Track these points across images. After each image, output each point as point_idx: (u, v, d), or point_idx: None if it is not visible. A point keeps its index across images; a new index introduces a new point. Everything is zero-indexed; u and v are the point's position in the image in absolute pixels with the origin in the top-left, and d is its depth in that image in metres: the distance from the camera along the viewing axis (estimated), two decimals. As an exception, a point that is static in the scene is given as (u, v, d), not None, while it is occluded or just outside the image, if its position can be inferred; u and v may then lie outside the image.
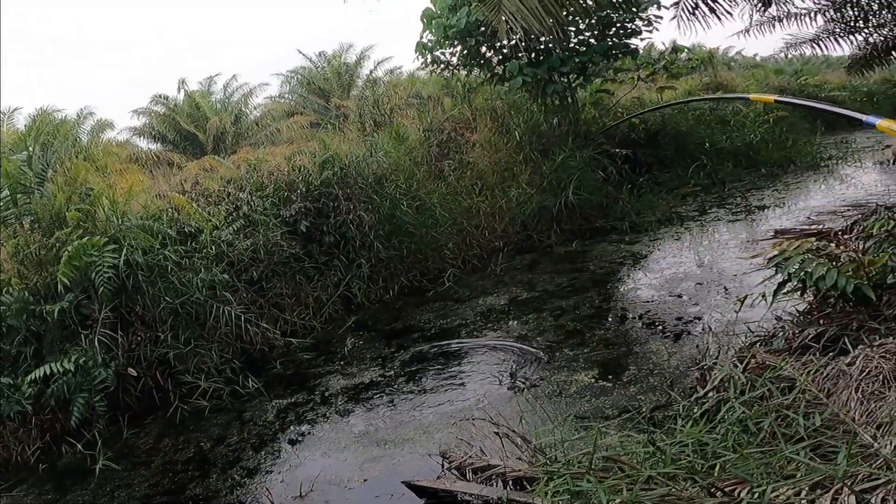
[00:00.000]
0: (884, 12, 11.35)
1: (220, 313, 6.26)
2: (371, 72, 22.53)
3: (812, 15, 11.04)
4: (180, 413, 5.59)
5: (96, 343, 5.71)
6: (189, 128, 18.36)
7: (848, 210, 8.46)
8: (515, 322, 6.47)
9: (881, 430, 3.27)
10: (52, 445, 5.34)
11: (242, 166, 9.09)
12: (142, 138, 19.33)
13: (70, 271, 5.89)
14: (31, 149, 11.80)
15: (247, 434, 5.13)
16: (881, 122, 0.87)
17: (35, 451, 5.28)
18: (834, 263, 4.68)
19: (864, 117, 0.95)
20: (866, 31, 11.47)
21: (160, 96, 19.46)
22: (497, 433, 4.13)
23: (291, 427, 5.16)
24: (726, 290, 6.28)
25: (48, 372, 5.39)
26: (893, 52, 11.85)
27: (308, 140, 13.38)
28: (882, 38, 11.23)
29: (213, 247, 6.86)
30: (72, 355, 5.56)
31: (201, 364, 5.98)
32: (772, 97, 3.48)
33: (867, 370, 3.75)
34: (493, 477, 3.80)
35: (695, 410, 3.87)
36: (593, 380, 4.87)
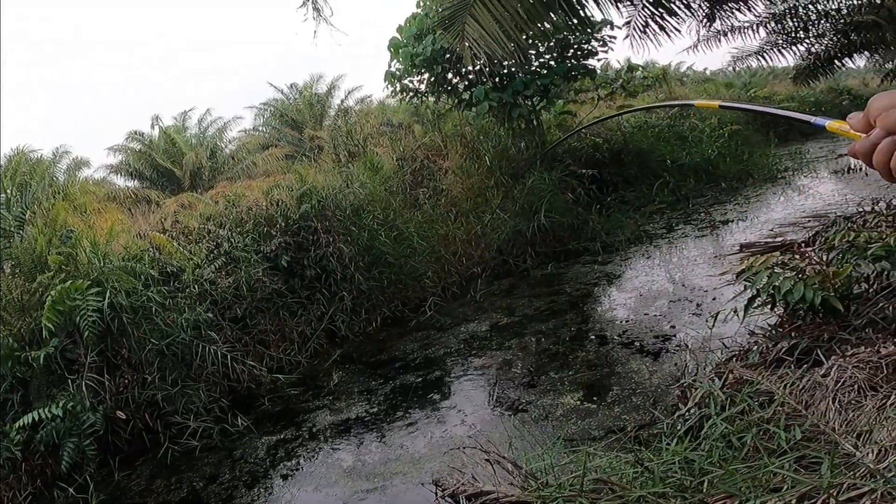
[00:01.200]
0: (822, 22, 11.65)
1: (206, 353, 6.14)
2: (342, 101, 22.55)
3: (755, 28, 11.30)
4: (171, 454, 5.46)
5: (84, 387, 5.58)
6: (165, 164, 18.14)
7: (808, 221, 8.62)
8: (498, 349, 6.44)
9: (862, 439, 3.30)
10: (44, 490, 5.20)
11: (221, 202, 8.99)
12: (119, 175, 19.04)
13: (54, 316, 5.75)
14: (8, 191, 11.59)
15: (238, 472, 5.02)
16: (830, 123, 0.86)
17: (26, 496, 5.13)
18: (800, 276, 4.76)
19: (812, 119, 0.95)
20: (807, 41, 11.75)
21: (135, 133, 19.22)
22: (488, 460, 4.09)
23: (282, 463, 5.07)
24: (699, 306, 6.34)
25: (36, 418, 5.25)
26: (836, 61, 12.14)
27: (284, 172, 13.33)
28: (823, 48, 11.51)
29: (196, 286, 6.75)
30: (59, 400, 5.44)
31: (190, 404, 5.86)
32: (716, 103, 3.64)
33: (842, 380, 3.80)
34: (488, 503, 3.76)
35: (678, 427, 3.89)
36: (578, 402, 4.86)
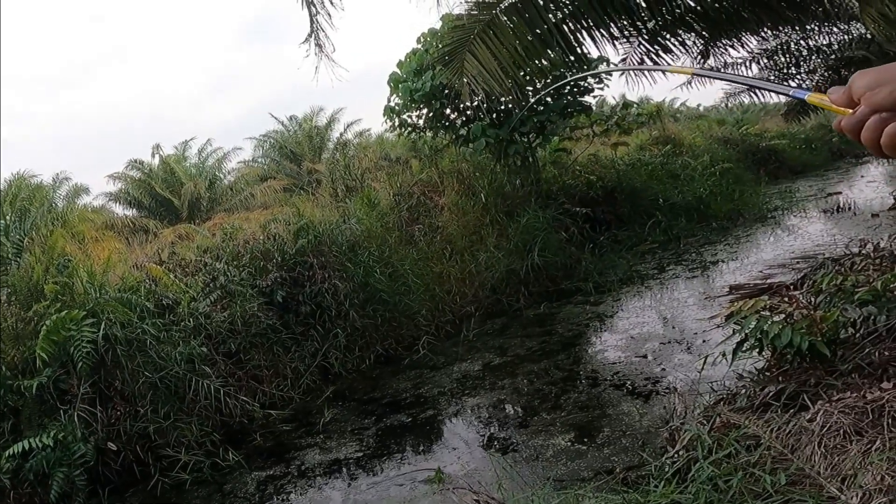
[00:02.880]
0: (813, 58, 11.88)
1: (200, 387, 6.14)
2: (341, 134, 22.78)
3: (747, 63, 11.51)
4: (161, 486, 5.45)
5: (75, 418, 5.58)
6: (164, 193, 18.23)
7: (797, 262, 8.71)
8: (491, 389, 6.45)
9: (846, 483, 3.35)
10: (32, 520, 5.15)
11: (218, 234, 9.05)
12: (118, 203, 19.12)
13: (49, 346, 5.77)
14: (7, 217, 11.62)
15: (228, 507, 5.01)
16: (811, 96, 0.86)
17: (14, 526, 5.08)
18: (788, 321, 4.82)
19: (791, 91, 0.96)
20: (798, 77, 11.96)
21: (135, 161, 19.34)
22: (477, 500, 4.11)
23: (272, 499, 5.06)
24: (689, 348, 6.39)
25: (27, 447, 5.24)
26: None
27: (282, 205, 13.42)
28: (814, 84, 11.71)
29: (191, 319, 6.77)
30: (50, 430, 5.43)
31: (181, 437, 5.85)
32: (689, 70, 3.68)
33: (828, 425, 3.85)
34: (476, 545, 3.77)
35: (666, 470, 3.92)
36: (569, 443, 4.88)
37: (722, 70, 11.34)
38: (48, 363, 5.73)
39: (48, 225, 12.20)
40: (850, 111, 0.75)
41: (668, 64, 7.69)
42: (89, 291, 6.50)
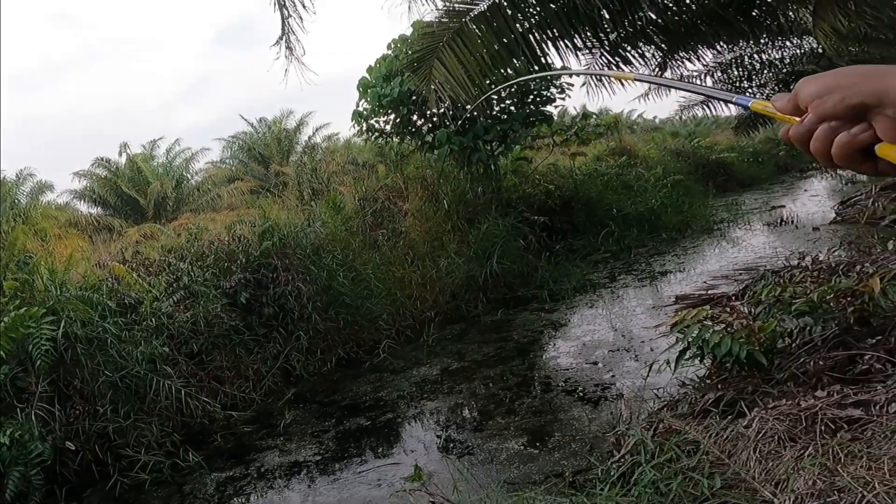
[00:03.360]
0: (766, 72, 12.17)
1: (161, 387, 6.02)
2: (310, 138, 22.60)
3: (702, 76, 11.74)
4: (120, 486, 5.32)
5: (33, 416, 5.42)
6: (130, 192, 17.85)
7: (740, 274, 8.93)
8: (449, 393, 6.47)
9: (779, 487, 3.46)
10: (-16, 520, 5.00)
11: (183, 235, 8.89)
12: (82, 201, 18.69)
13: (7, 343, 5.59)
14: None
15: (186, 508, 4.93)
16: (754, 103, 0.85)
17: (-34, 525, 4.92)
18: (728, 330, 4.96)
19: (734, 98, 0.96)
20: (750, 91, 12.24)
21: (102, 159, 18.93)
22: (433, 502, 4.13)
23: (231, 500, 4.99)
24: (636, 355, 6.51)
25: (-18, 445, 5.08)
26: None
27: (248, 207, 13.24)
28: (764, 97, 12.01)
29: (154, 318, 6.63)
30: (7, 429, 5.24)
31: (141, 437, 5.72)
32: (631, 75, 3.75)
33: (763, 431, 3.97)
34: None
35: (612, 474, 3.99)
36: (522, 447, 4.93)
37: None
38: (5, 361, 5.56)
39: (9, 221, 11.85)
40: (797, 119, 0.71)
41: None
42: (50, 289, 6.33)
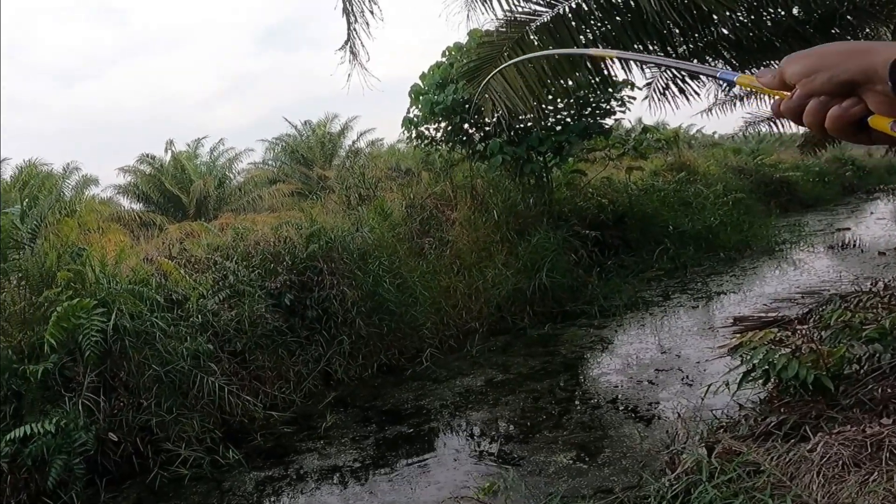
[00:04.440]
0: None
1: (204, 383, 6.22)
2: (354, 142, 22.91)
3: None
4: (160, 480, 5.50)
5: (79, 406, 5.64)
6: (173, 189, 18.38)
7: (802, 297, 8.81)
8: (494, 404, 6.51)
9: (843, 512, 3.44)
10: (28, 505, 5.21)
11: (229, 234, 9.15)
12: (126, 197, 19.30)
13: (58, 332, 5.84)
14: (20, 203, 11.75)
15: (226, 504, 5.08)
16: (741, 78, 0.85)
17: (9, 509, 5.15)
18: (795, 354, 4.93)
19: (718, 72, 0.97)
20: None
21: (147, 156, 19.52)
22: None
23: (269, 499, 5.14)
24: (689, 376, 6.47)
25: (28, 432, 5.27)
26: None
27: (289, 209, 13.52)
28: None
29: (199, 315, 6.86)
30: (53, 417, 5.46)
31: (182, 432, 5.91)
32: (613, 53, 3.73)
33: (827, 456, 3.95)
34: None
35: (666, 492, 4.00)
36: (571, 461, 4.97)
37: (744, 98, 11.40)
38: (55, 350, 5.80)
39: (56, 214, 12.34)
40: (786, 94, 0.76)
41: (694, 89, 7.70)
42: (101, 281, 6.61)
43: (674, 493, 3.95)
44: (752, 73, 0.85)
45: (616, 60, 6.41)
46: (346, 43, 6.26)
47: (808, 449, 4.01)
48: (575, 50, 6.38)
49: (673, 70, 7.50)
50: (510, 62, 5.79)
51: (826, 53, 0.73)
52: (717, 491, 3.63)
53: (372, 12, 5.96)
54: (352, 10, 6.00)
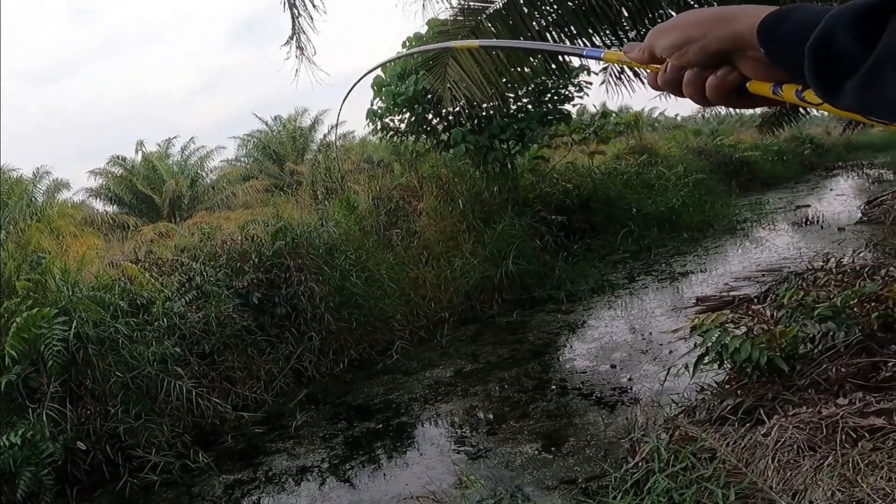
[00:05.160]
0: None
1: (172, 387, 6.07)
2: (325, 136, 22.66)
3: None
4: (130, 487, 5.38)
5: (44, 416, 5.50)
6: (146, 190, 18.07)
7: (763, 275, 8.82)
8: (462, 396, 6.45)
9: (797, 498, 3.40)
10: (-4, 519, 5.09)
11: (196, 234, 8.96)
12: (98, 200, 18.94)
13: (18, 343, 5.68)
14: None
15: (195, 510, 4.97)
16: (608, 54, 0.80)
17: (-23, 524, 5.01)
18: (748, 335, 4.89)
19: (584, 50, 0.92)
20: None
21: (118, 157, 19.19)
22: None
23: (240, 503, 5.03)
24: (655, 358, 6.45)
25: (-6, 445, 5.16)
26: (801, 109, 12.53)
27: (263, 205, 13.31)
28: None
29: (165, 319, 6.69)
30: (18, 428, 5.34)
31: (152, 438, 5.78)
32: (476, 43, 3.80)
33: (782, 440, 3.91)
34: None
35: (626, 481, 3.95)
36: (536, 452, 4.90)
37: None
38: (18, 361, 5.64)
39: (26, 220, 12.03)
40: (659, 67, 0.75)
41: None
42: (62, 289, 6.41)
43: (633, 482, 3.90)
44: (619, 49, 0.82)
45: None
46: (291, 37, 6.07)
47: (764, 433, 3.97)
48: (437, 45, 6.38)
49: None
50: (407, 52, 5.65)
51: (691, 23, 0.70)
52: (671, 481, 3.58)
53: (314, 5, 5.77)
54: (294, 3, 5.81)
